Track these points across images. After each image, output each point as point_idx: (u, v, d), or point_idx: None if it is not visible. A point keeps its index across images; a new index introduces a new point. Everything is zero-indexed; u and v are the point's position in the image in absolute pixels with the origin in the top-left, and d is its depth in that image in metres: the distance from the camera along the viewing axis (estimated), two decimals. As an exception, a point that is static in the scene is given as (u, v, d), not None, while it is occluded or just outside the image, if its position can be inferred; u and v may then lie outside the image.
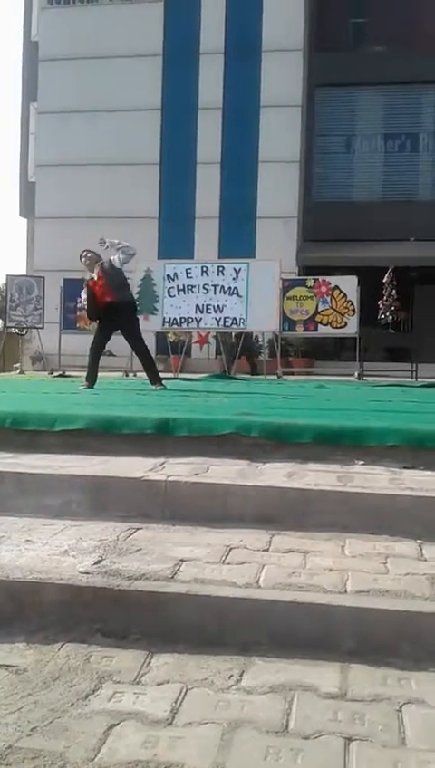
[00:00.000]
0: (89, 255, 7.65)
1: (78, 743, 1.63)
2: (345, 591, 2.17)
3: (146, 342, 7.75)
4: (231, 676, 1.91)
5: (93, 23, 18.17)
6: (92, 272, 7.55)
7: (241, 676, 1.91)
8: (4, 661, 2.01)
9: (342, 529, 2.71)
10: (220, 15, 17.81)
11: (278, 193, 17.30)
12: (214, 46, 17.80)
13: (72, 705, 1.79)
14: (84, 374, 7.69)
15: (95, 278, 7.47)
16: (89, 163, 17.93)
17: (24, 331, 14.56)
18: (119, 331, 7.64)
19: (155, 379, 7.51)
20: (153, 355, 13.87)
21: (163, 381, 7.63)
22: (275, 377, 11.97)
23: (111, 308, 7.38)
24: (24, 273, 17.31)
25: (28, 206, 19.83)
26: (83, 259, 7.67)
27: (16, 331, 14.40)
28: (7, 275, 14.37)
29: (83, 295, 8.06)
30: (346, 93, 18.34)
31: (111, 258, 7.58)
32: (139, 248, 7.74)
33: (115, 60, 17.96)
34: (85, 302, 7.91)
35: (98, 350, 7.59)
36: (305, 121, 17.97)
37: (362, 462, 3.34)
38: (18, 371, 14.04)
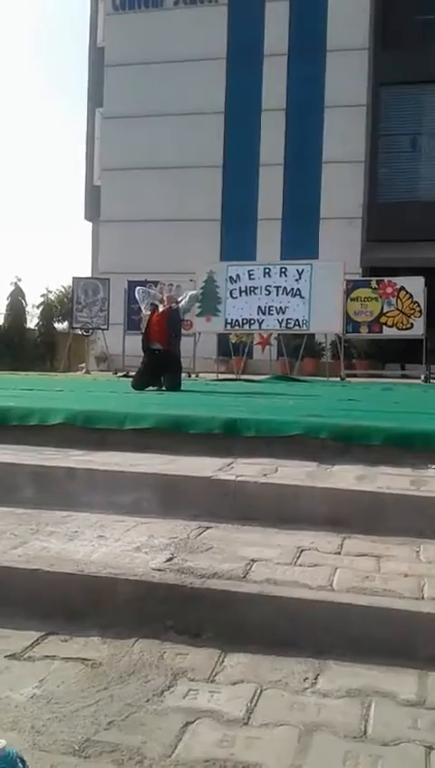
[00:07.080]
0: (172, 291, 7.71)
1: (155, 738, 1.64)
2: (423, 597, 2.12)
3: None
4: (306, 678, 1.89)
5: (158, 27, 18.36)
6: (162, 303, 7.55)
7: (316, 679, 1.89)
8: (79, 654, 2.05)
9: (416, 534, 2.65)
10: (284, 16, 17.74)
11: (342, 193, 17.10)
12: (278, 47, 17.73)
13: (147, 700, 1.80)
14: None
15: (159, 309, 7.48)
16: (153, 167, 18.12)
17: (90, 332, 14.83)
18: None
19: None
20: (215, 357, 14.09)
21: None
22: (338, 379, 11.83)
23: (159, 354, 7.36)
24: (90, 275, 17.62)
25: (93, 209, 20.17)
26: (165, 291, 7.67)
27: (82, 332, 14.69)
28: (73, 278, 14.69)
29: (143, 310, 7.89)
30: (412, 91, 17.98)
31: (181, 305, 7.61)
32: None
33: (179, 64, 18.10)
34: (143, 311, 7.87)
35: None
36: (370, 121, 17.71)
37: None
38: (84, 371, 14.32)
